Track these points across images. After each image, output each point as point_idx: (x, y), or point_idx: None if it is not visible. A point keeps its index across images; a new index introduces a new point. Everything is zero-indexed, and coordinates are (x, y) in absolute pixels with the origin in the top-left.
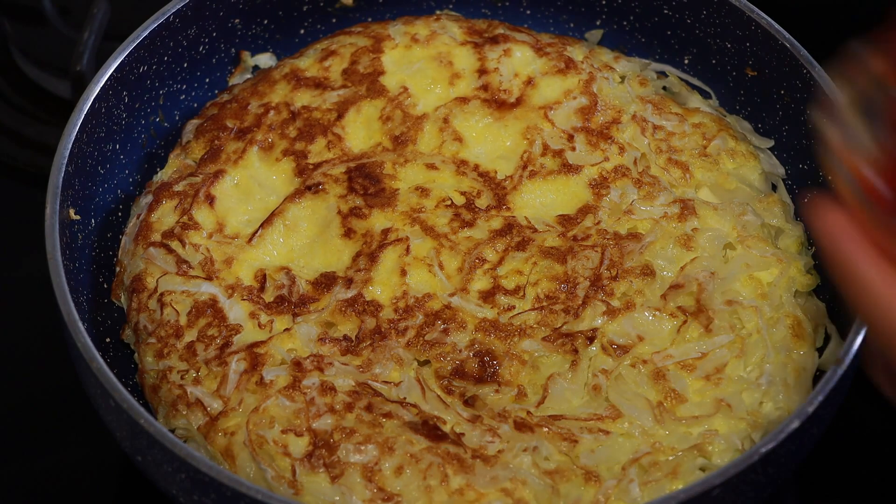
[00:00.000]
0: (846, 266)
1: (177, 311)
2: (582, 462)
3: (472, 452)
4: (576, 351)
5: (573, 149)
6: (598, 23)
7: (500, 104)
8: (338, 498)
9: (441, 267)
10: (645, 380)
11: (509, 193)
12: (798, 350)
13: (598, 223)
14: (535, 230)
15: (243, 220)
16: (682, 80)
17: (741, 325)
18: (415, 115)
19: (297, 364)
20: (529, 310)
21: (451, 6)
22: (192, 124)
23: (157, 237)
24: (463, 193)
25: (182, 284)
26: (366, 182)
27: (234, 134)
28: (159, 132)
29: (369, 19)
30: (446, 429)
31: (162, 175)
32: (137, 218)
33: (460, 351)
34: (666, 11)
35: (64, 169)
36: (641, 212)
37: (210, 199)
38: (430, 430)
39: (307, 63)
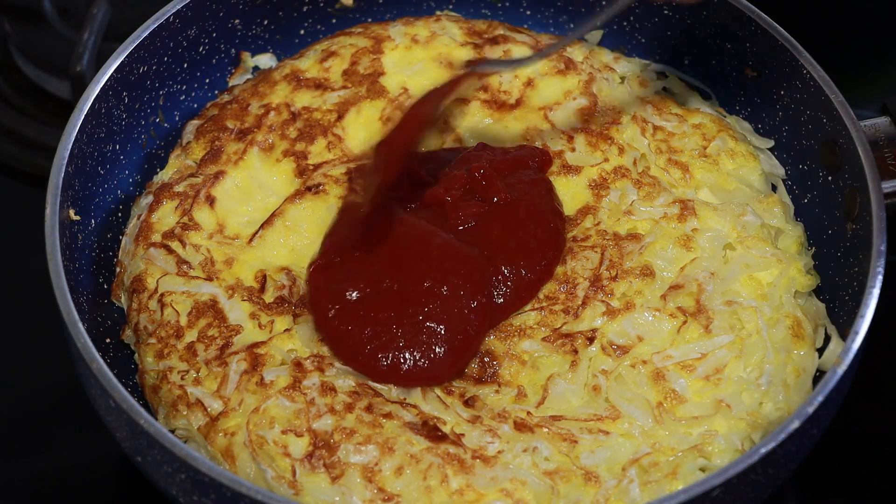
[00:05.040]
0: None
1: (177, 312)
2: (582, 462)
3: (472, 453)
4: (575, 351)
5: (573, 150)
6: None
7: (500, 105)
8: (338, 498)
9: None
10: (645, 380)
11: None
12: (798, 350)
13: (598, 224)
14: None
15: (244, 221)
16: (682, 80)
17: (741, 326)
18: None
19: (298, 364)
20: (529, 310)
21: (451, 7)
22: (193, 125)
23: (157, 238)
24: None
25: (182, 285)
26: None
27: (234, 135)
28: (159, 133)
29: (369, 20)
30: (446, 429)
31: (162, 175)
32: (138, 218)
33: None
34: (666, 12)
35: (64, 169)
36: (641, 212)
37: (210, 200)
38: (430, 430)
39: (307, 64)
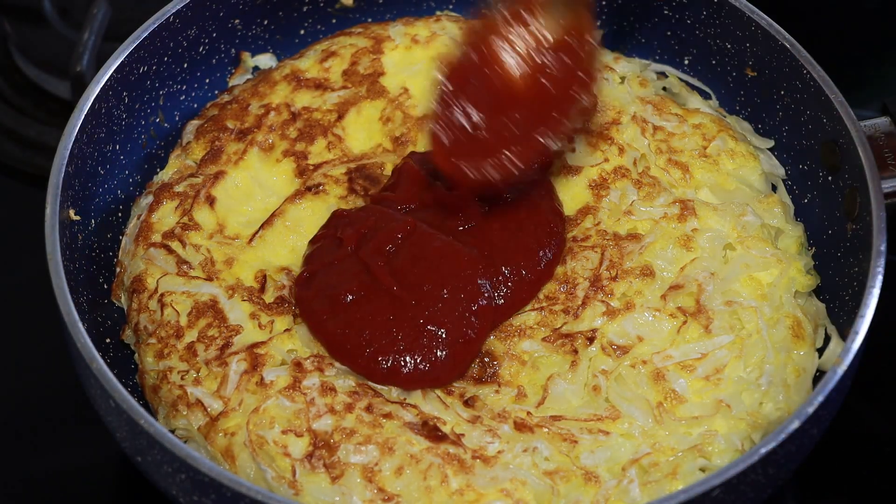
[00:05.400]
0: None
1: (177, 312)
2: (582, 462)
3: (472, 453)
4: (575, 351)
5: (573, 150)
6: (597, 23)
7: None
8: (338, 498)
9: None
10: (645, 380)
11: None
12: (798, 350)
13: (598, 224)
14: None
15: (244, 221)
16: (682, 80)
17: (741, 326)
18: (415, 116)
19: (298, 364)
20: (529, 310)
21: (451, 7)
22: (193, 125)
23: (157, 238)
24: None
25: (182, 285)
26: (366, 183)
27: (234, 135)
28: (159, 133)
29: (369, 20)
30: (446, 429)
31: (162, 175)
32: (138, 218)
33: None
34: (666, 12)
35: (64, 169)
36: (641, 212)
37: (210, 200)
38: (430, 430)
39: (307, 64)
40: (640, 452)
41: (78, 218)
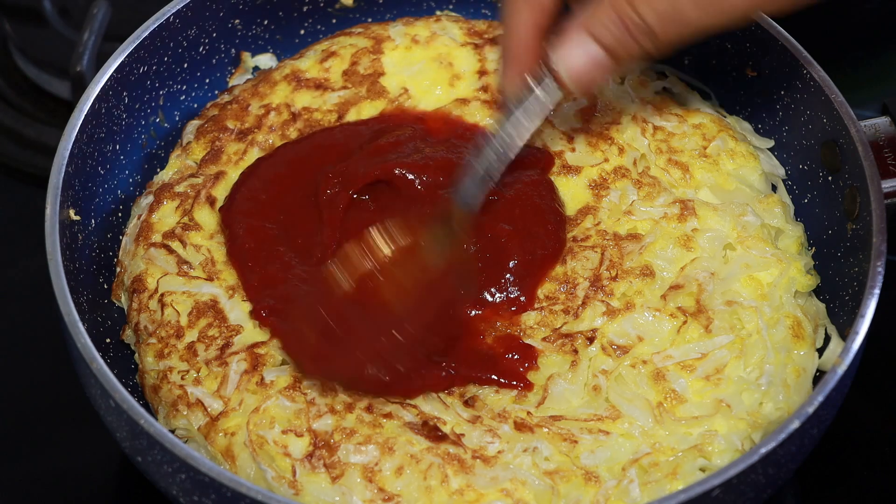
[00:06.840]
0: None
1: (177, 312)
2: (582, 462)
3: (473, 453)
4: (576, 351)
5: (573, 150)
6: None
7: (500, 105)
8: (338, 498)
9: None
10: (645, 380)
11: None
12: (798, 350)
13: (598, 224)
14: None
15: None
16: (682, 80)
17: (741, 326)
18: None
19: None
20: (529, 310)
21: (451, 7)
22: (193, 125)
23: (157, 238)
24: None
25: (183, 285)
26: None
27: (234, 135)
28: (159, 133)
29: (369, 20)
30: (446, 429)
31: (162, 175)
32: (138, 218)
33: None
34: None
35: (64, 169)
36: (641, 212)
37: (211, 201)
38: (430, 430)
39: (308, 64)
40: (640, 452)
41: (78, 218)
